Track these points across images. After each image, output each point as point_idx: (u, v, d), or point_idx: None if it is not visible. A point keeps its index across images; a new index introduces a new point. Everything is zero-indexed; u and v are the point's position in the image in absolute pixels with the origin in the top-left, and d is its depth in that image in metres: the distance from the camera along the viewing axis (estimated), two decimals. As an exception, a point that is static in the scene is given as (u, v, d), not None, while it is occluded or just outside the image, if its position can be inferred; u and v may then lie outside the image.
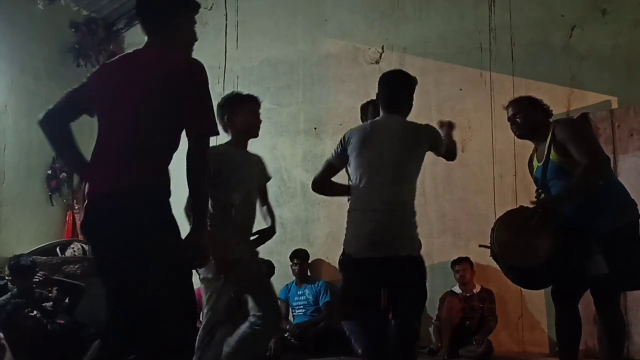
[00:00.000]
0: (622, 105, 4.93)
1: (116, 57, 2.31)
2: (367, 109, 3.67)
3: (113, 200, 2.01)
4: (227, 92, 6.80)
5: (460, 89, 5.72)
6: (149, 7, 2.27)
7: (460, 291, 5.20)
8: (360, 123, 3.53)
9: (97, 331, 4.39)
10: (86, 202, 2.11)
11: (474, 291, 5.17)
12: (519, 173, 5.18)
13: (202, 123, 2.08)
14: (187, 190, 2.11)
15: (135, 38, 7.37)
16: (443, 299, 5.20)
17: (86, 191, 2.13)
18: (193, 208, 2.09)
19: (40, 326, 4.13)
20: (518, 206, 3.17)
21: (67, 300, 4.58)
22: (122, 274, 2.00)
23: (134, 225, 1.97)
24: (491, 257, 3.09)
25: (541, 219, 2.85)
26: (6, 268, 4.78)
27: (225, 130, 3.22)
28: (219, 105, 3.20)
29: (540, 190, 3.12)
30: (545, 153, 3.04)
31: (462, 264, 5.15)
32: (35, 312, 4.18)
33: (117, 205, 2.01)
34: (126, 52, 2.32)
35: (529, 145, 3.32)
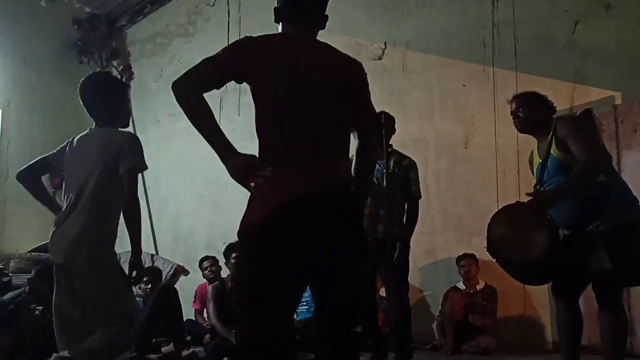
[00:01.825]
0: (625, 101, 4.91)
1: (292, 40, 2.14)
2: None
3: (331, 199, 1.96)
4: (229, 88, 6.84)
5: (463, 85, 5.71)
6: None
7: (464, 287, 5.20)
8: None
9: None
10: (274, 198, 1.91)
11: (478, 287, 5.17)
12: (521, 169, 5.17)
13: (378, 119, 2.19)
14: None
15: (138, 34, 7.38)
16: (446, 295, 5.21)
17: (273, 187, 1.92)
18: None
19: (46, 322, 4.11)
20: (515, 201, 3.17)
21: None
22: (331, 271, 1.99)
23: (353, 223, 2.03)
24: (488, 253, 3.11)
25: (536, 212, 2.85)
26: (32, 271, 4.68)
27: None
28: None
29: (538, 186, 3.12)
30: (547, 149, 3.04)
31: (467, 260, 5.16)
32: (40, 307, 4.15)
33: (335, 203, 1.97)
34: (299, 39, 2.16)
35: (532, 141, 3.32)
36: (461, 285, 5.22)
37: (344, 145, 2.11)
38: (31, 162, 3.05)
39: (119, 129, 2.94)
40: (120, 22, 7.30)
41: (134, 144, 2.82)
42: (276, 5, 2.18)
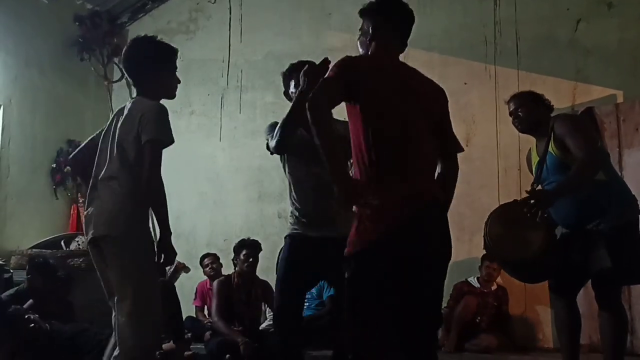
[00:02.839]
0: (627, 99, 4.91)
1: (398, 63, 2.45)
2: None
3: (435, 211, 2.22)
4: (231, 86, 6.85)
5: (465, 83, 5.70)
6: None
7: (479, 285, 5.13)
8: None
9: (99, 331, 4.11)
10: (398, 205, 2.12)
11: (492, 288, 5.13)
12: (523, 167, 5.13)
13: (458, 143, 2.48)
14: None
15: (139, 31, 7.36)
16: (460, 290, 5.11)
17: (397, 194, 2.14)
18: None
19: (41, 331, 4.07)
20: (512, 200, 3.17)
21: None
22: (431, 278, 2.19)
23: (447, 234, 2.25)
24: (485, 251, 3.13)
25: (533, 211, 2.85)
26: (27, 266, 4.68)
27: None
28: None
29: (535, 184, 3.13)
30: (545, 147, 3.04)
31: (493, 264, 4.95)
32: (34, 316, 4.05)
33: (437, 215, 2.24)
34: (398, 61, 2.45)
35: (534, 140, 3.32)
36: (475, 283, 5.15)
37: (436, 163, 2.39)
38: (81, 146, 2.80)
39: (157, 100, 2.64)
40: (121, 19, 7.28)
41: (157, 114, 2.52)
42: (373, 24, 2.37)
